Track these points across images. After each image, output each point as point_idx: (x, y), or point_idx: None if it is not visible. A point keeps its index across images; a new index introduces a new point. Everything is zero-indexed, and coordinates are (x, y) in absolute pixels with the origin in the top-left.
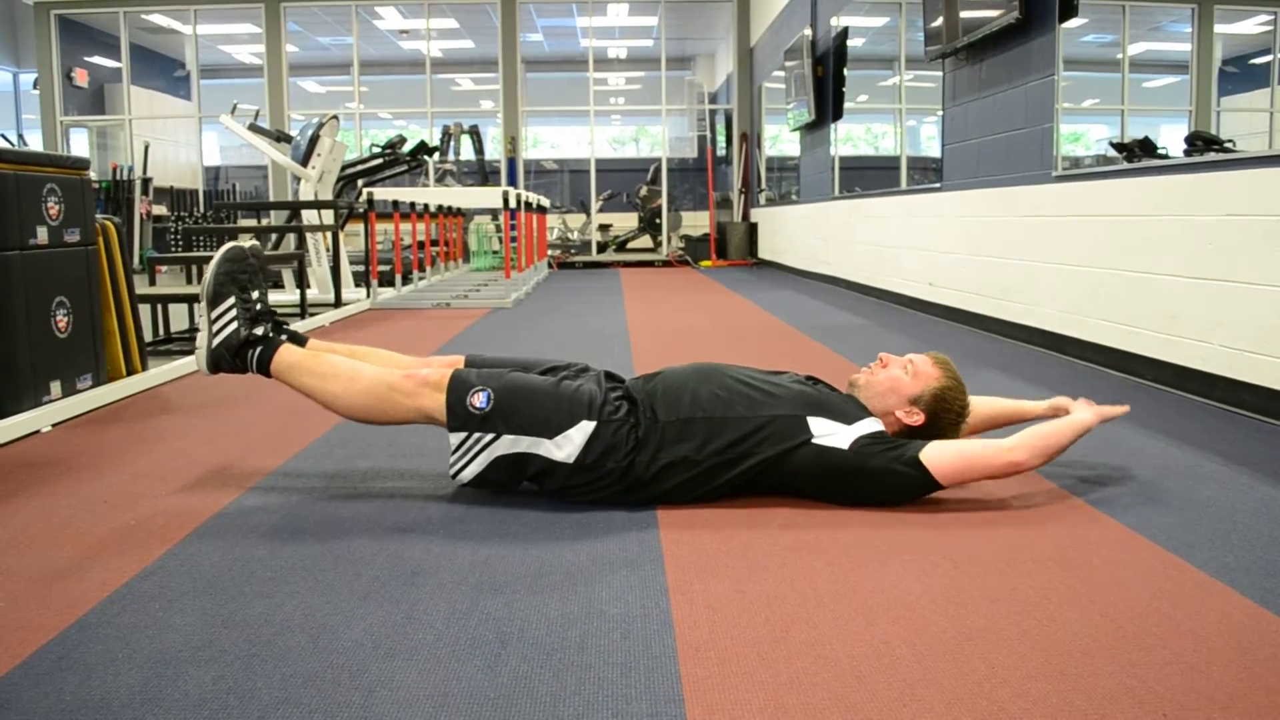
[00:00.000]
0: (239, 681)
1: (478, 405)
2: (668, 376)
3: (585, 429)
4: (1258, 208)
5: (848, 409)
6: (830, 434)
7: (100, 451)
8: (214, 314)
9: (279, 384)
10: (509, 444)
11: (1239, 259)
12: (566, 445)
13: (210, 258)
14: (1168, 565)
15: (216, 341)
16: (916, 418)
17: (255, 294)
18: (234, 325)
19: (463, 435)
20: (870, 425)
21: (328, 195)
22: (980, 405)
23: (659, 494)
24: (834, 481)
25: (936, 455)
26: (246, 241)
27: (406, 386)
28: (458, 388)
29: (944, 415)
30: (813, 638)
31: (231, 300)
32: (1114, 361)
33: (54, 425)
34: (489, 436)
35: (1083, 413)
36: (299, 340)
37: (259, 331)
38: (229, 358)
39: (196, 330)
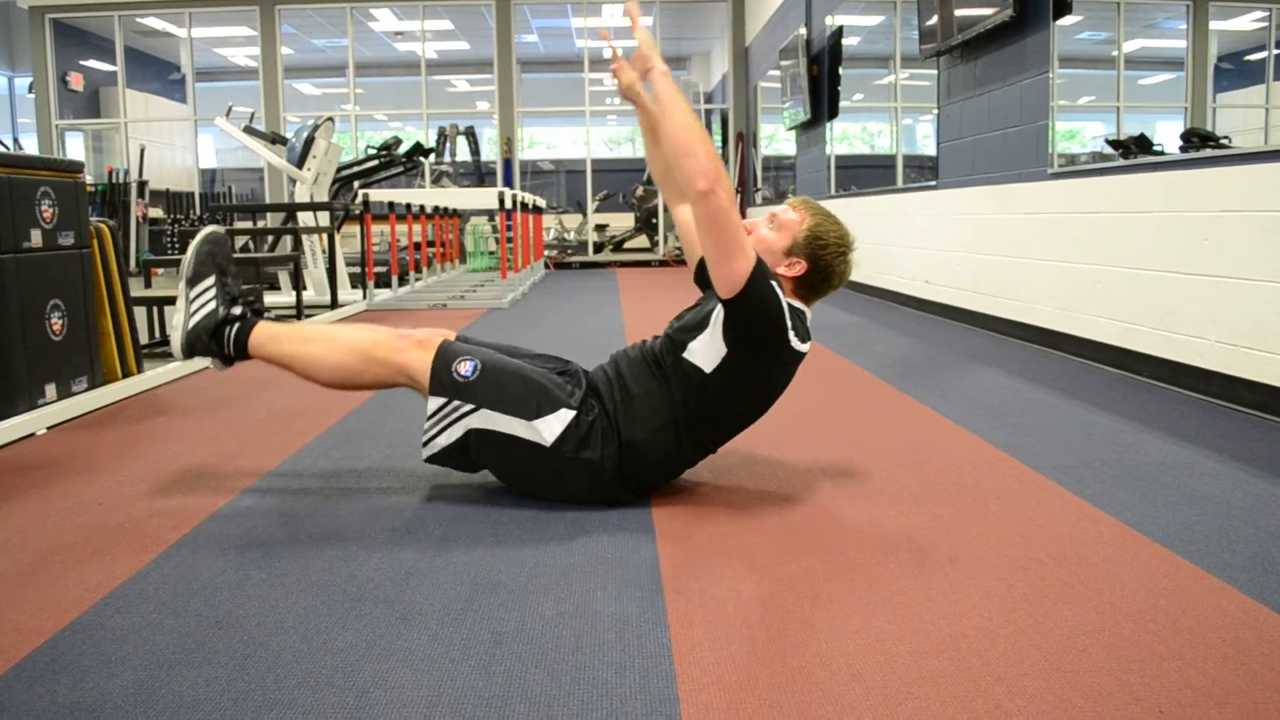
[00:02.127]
0: (232, 683)
1: (463, 373)
2: (618, 362)
3: (565, 417)
4: (1253, 203)
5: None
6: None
7: (95, 454)
8: (193, 293)
9: (273, 386)
10: (484, 418)
11: (1235, 255)
12: (544, 429)
13: None
14: (1164, 561)
15: (193, 322)
16: (798, 268)
17: (231, 276)
18: (212, 305)
19: (441, 401)
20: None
21: (323, 197)
22: None
23: (641, 481)
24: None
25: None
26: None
27: (393, 343)
28: (446, 352)
29: (823, 253)
30: (808, 636)
31: (211, 280)
32: (1111, 358)
33: (49, 428)
34: (467, 406)
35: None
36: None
37: (236, 311)
38: (205, 339)
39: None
